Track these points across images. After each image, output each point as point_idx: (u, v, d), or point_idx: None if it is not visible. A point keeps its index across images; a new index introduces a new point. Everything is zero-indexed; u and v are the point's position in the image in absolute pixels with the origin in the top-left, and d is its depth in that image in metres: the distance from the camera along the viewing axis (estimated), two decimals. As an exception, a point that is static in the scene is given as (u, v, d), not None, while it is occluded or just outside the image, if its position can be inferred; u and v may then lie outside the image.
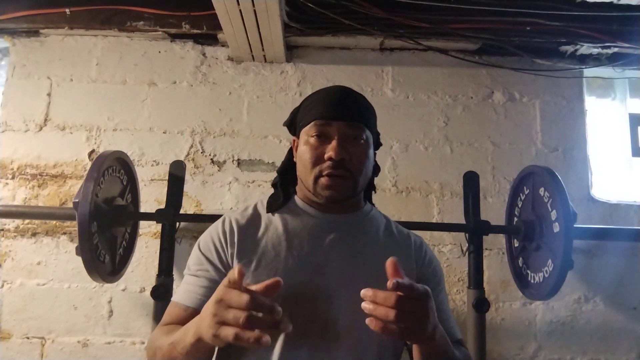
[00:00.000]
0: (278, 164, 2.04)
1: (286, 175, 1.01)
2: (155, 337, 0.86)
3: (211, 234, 0.94)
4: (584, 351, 1.98)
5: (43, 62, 2.10)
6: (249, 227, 0.93)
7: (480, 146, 2.11)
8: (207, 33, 2.06)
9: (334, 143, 0.87)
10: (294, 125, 1.00)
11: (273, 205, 0.97)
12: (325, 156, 0.87)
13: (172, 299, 0.92)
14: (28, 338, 1.90)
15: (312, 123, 0.90)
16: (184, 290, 0.91)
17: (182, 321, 0.84)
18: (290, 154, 1.01)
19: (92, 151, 2.04)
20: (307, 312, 0.84)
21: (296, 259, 0.88)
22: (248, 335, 0.63)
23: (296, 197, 0.99)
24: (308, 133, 0.90)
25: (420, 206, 2.04)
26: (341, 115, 0.89)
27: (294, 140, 0.99)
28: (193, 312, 0.85)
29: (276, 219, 0.94)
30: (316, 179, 0.88)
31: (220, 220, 0.96)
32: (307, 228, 0.92)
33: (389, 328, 0.68)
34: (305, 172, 0.90)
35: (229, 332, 0.65)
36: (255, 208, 0.98)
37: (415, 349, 0.82)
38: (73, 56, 2.11)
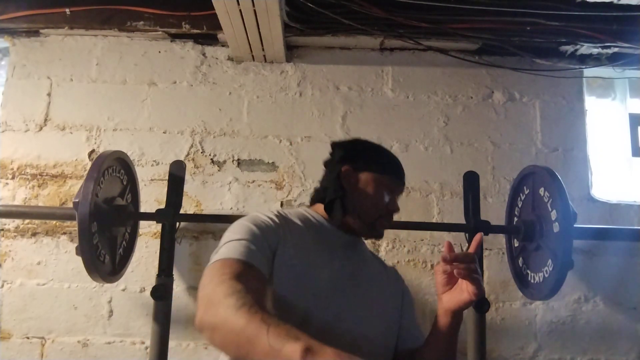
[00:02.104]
0: (278, 164, 2.05)
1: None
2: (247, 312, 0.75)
3: (260, 218, 0.98)
4: (584, 351, 1.98)
5: (43, 62, 2.10)
6: (290, 223, 1.03)
7: (480, 146, 2.11)
8: (207, 33, 2.06)
9: (397, 200, 1.15)
10: (354, 157, 1.12)
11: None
12: (391, 208, 1.12)
13: (231, 256, 0.86)
14: (28, 338, 1.90)
15: (393, 180, 1.13)
16: (248, 252, 0.88)
17: (264, 288, 0.88)
18: (339, 180, 1.09)
19: (92, 151, 2.04)
20: (330, 304, 0.97)
21: (323, 261, 1.02)
22: None
23: (314, 213, 1.11)
24: (383, 182, 1.10)
25: (420, 206, 2.04)
26: (404, 183, 1.19)
27: (348, 169, 1.10)
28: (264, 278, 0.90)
29: (305, 224, 1.06)
30: (377, 218, 1.10)
31: (262, 212, 1.01)
32: (327, 238, 1.07)
33: (474, 277, 0.92)
34: (368, 208, 1.09)
35: None
36: (285, 213, 1.07)
37: (448, 321, 0.99)
38: (73, 56, 2.11)
